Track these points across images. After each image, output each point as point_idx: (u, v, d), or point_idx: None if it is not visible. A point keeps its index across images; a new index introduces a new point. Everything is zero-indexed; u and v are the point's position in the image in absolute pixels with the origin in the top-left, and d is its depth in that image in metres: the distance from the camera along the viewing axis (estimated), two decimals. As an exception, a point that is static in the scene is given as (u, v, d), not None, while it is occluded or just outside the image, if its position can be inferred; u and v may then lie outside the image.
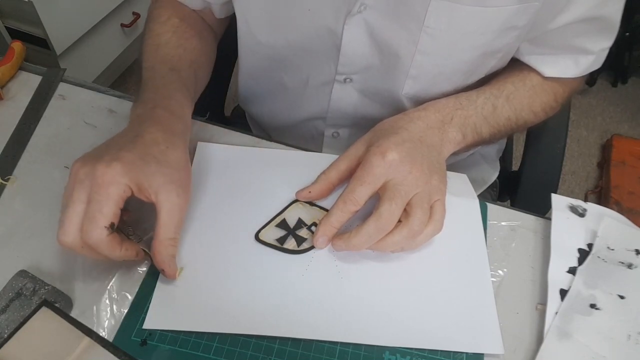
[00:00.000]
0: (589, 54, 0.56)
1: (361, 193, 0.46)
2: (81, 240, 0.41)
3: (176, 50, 0.55)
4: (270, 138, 0.60)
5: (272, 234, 0.50)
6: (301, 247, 0.49)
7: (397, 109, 0.61)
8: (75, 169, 0.42)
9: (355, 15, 0.52)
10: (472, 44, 0.52)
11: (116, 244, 0.42)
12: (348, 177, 0.49)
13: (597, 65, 0.58)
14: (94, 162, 0.42)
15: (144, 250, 0.45)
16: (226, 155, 0.56)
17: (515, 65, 0.59)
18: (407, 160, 0.47)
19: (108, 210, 0.40)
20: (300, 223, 0.51)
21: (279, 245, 0.49)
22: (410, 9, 0.50)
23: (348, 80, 0.60)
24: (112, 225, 0.41)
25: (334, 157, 0.55)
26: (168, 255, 0.44)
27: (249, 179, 0.54)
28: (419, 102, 0.58)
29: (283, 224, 0.51)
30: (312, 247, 0.49)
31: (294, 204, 0.52)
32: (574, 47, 0.56)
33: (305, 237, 0.50)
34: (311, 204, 0.52)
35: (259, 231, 0.50)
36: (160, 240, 0.43)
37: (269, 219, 0.51)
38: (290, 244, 0.49)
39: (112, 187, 0.41)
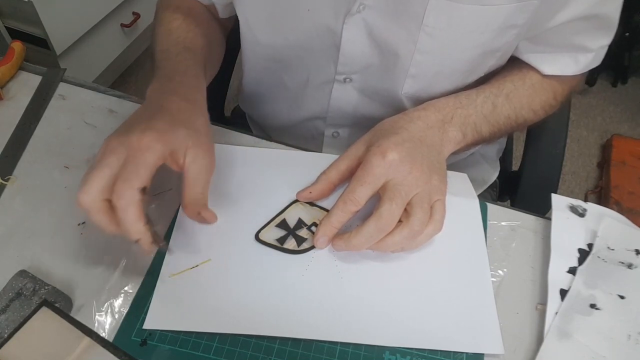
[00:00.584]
0: (588, 51, 0.56)
1: (361, 193, 0.46)
2: (100, 202, 0.41)
3: (187, 33, 0.57)
4: (270, 138, 0.60)
5: (272, 234, 0.50)
6: (301, 247, 0.49)
7: (397, 108, 0.61)
8: (107, 141, 0.43)
9: (355, 15, 0.52)
10: (471, 43, 0.52)
11: (141, 215, 0.41)
12: (348, 177, 0.49)
13: (597, 62, 0.58)
14: (127, 133, 0.43)
15: (162, 240, 0.44)
16: (226, 155, 0.56)
17: (514, 63, 0.59)
18: (407, 160, 0.47)
19: (144, 173, 0.41)
20: (300, 223, 0.51)
21: (279, 245, 0.49)
22: (410, 8, 0.50)
23: (348, 80, 0.60)
24: (144, 190, 0.41)
25: (334, 157, 0.55)
26: (200, 202, 0.45)
27: (249, 179, 0.54)
28: (419, 101, 0.58)
29: (283, 224, 0.51)
30: (312, 247, 0.49)
31: (294, 204, 0.52)
32: (573, 45, 0.56)
33: (305, 237, 0.50)
34: (311, 204, 0.52)
35: (259, 231, 0.50)
36: (191, 194, 0.44)
37: (268, 219, 0.51)
38: (291, 244, 0.49)
39: (149, 152, 0.42)
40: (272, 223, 0.51)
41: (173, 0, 0.61)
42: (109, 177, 0.41)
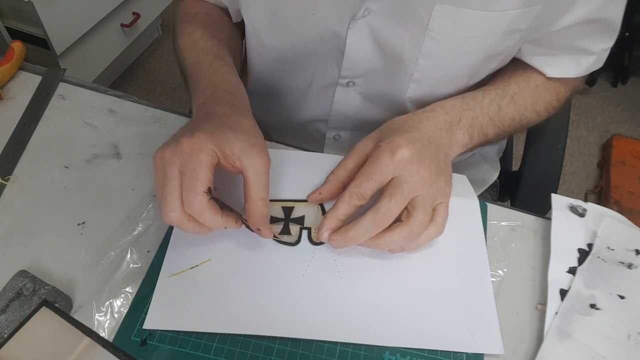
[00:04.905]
0: (591, 54, 0.56)
1: (367, 188, 0.46)
2: (185, 214, 0.43)
3: (212, 40, 0.57)
4: (271, 138, 0.60)
5: (274, 210, 0.51)
6: (279, 237, 0.49)
7: (400, 112, 0.61)
8: (158, 155, 0.44)
9: (360, 20, 0.52)
10: (475, 47, 0.52)
11: (217, 210, 0.43)
12: None
13: (599, 65, 0.58)
14: (177, 141, 0.44)
15: (241, 217, 0.46)
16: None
17: (518, 65, 0.59)
18: (417, 159, 0.47)
19: (203, 176, 0.42)
20: (300, 219, 0.51)
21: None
22: (415, 13, 0.50)
23: (351, 83, 0.60)
24: (209, 190, 0.43)
25: (336, 157, 0.55)
26: (262, 215, 0.45)
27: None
28: (422, 105, 0.58)
29: (288, 210, 0.51)
30: (288, 244, 0.49)
31: (306, 202, 0.52)
32: (575, 48, 0.56)
33: (292, 233, 0.50)
34: (322, 210, 0.52)
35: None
36: (253, 201, 0.45)
37: (278, 199, 0.52)
38: (277, 228, 0.50)
39: (202, 153, 0.43)
40: (281, 202, 0.52)
41: (190, 9, 0.62)
42: (178, 188, 0.43)
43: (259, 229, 0.45)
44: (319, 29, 0.55)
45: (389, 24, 0.52)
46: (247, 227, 0.46)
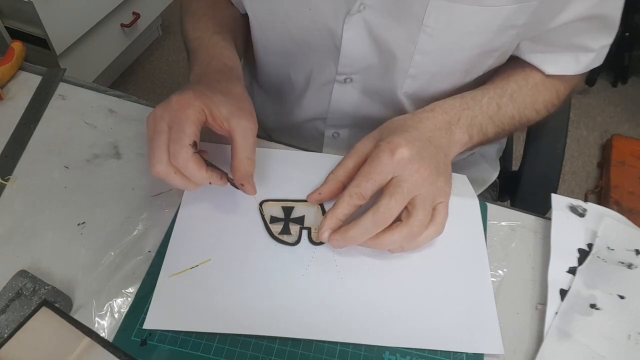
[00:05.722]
0: (590, 51, 0.56)
1: (367, 188, 0.46)
2: (171, 167, 0.44)
3: (214, 19, 0.60)
4: (270, 138, 0.60)
5: (273, 210, 0.51)
6: (280, 236, 0.50)
7: (397, 108, 0.61)
8: (151, 115, 0.46)
9: (355, 15, 0.52)
10: (471, 43, 0.52)
11: (201, 164, 0.45)
12: None
13: (598, 62, 0.58)
14: (167, 100, 0.46)
15: (227, 176, 0.47)
16: (226, 155, 0.56)
17: (517, 63, 0.59)
18: (417, 158, 0.47)
19: (190, 130, 0.44)
20: (300, 219, 0.51)
21: (267, 223, 0.50)
22: (410, 8, 0.50)
23: (348, 80, 0.60)
24: (194, 144, 0.44)
25: (335, 157, 0.55)
26: (247, 172, 0.47)
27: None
28: (418, 100, 0.58)
29: (288, 210, 0.51)
30: (288, 244, 0.49)
31: (306, 202, 0.52)
32: (574, 45, 0.56)
33: (292, 233, 0.50)
34: (322, 210, 0.52)
35: (266, 200, 0.52)
36: (239, 159, 0.46)
37: (278, 199, 0.52)
38: (277, 229, 0.50)
39: (189, 109, 0.45)
40: (280, 202, 0.51)
41: None
42: (165, 142, 0.44)
43: (242, 184, 0.47)
44: (316, 24, 0.55)
45: (384, 19, 0.52)
46: (232, 184, 0.48)
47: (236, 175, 0.47)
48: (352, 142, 0.52)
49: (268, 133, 0.78)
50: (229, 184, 0.48)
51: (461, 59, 0.54)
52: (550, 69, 0.57)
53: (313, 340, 0.44)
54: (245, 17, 0.66)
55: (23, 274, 0.45)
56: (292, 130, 0.72)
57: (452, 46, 0.53)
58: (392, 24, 0.52)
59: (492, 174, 0.78)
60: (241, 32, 0.65)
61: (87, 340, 0.38)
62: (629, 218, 0.53)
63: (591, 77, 1.91)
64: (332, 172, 0.51)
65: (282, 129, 0.74)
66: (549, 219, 0.53)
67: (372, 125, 0.53)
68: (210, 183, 0.46)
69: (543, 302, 0.47)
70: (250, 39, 0.66)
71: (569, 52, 0.57)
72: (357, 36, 0.54)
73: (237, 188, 0.47)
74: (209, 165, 0.46)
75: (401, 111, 0.61)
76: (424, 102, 0.56)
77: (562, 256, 0.50)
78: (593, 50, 0.56)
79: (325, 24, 0.55)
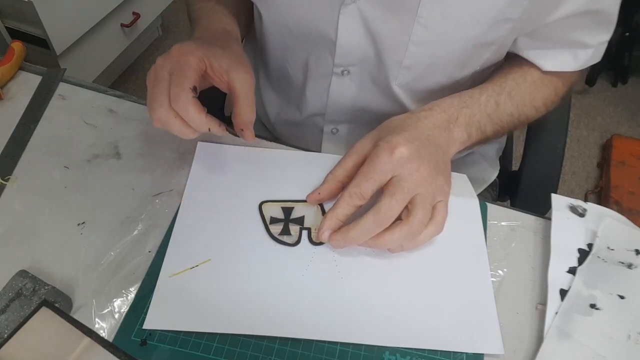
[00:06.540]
0: (588, 47, 0.56)
1: (367, 188, 0.46)
2: (172, 111, 0.45)
3: None
4: (270, 138, 0.60)
5: (273, 211, 0.51)
6: (279, 236, 0.50)
7: (393, 100, 0.61)
8: (152, 67, 0.48)
9: (350, 5, 0.52)
10: (465, 35, 0.52)
11: (201, 109, 0.46)
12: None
13: (596, 59, 0.58)
14: (168, 51, 0.48)
15: (225, 125, 0.49)
16: (226, 155, 0.56)
17: (515, 61, 0.59)
18: (416, 157, 0.47)
19: (190, 75, 0.46)
20: (300, 220, 0.51)
21: (267, 224, 0.50)
22: None
23: (346, 72, 0.60)
24: (195, 89, 0.46)
25: (334, 157, 0.55)
26: (248, 119, 0.49)
27: (249, 178, 0.54)
28: (413, 92, 0.58)
29: (287, 210, 0.51)
30: (289, 244, 0.49)
31: (306, 202, 0.52)
32: (572, 40, 0.56)
33: (292, 233, 0.50)
34: (322, 210, 0.52)
35: (266, 201, 0.52)
36: (240, 107, 0.48)
37: (277, 199, 0.53)
38: (277, 230, 0.50)
39: (190, 56, 0.47)
40: (280, 203, 0.52)
41: None
42: (167, 87, 0.45)
43: (242, 130, 0.49)
44: (312, 14, 0.55)
45: (379, 10, 0.52)
46: (231, 132, 0.49)
47: (237, 121, 0.49)
48: (351, 138, 0.52)
49: (270, 129, 0.78)
50: (227, 132, 0.49)
51: (456, 51, 0.54)
52: (548, 65, 0.57)
53: (313, 340, 0.44)
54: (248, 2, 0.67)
55: (23, 274, 0.45)
56: (293, 126, 0.72)
57: (446, 37, 0.53)
58: (387, 15, 0.52)
59: (492, 174, 0.78)
60: (244, 11, 0.66)
61: (87, 340, 0.39)
62: (629, 218, 0.53)
63: (591, 77, 1.91)
64: (331, 172, 0.51)
65: (284, 125, 0.74)
66: (549, 219, 0.53)
67: (371, 120, 0.53)
68: (209, 130, 0.47)
69: (543, 302, 0.47)
70: (252, 23, 0.67)
71: (567, 48, 0.57)
72: (352, 27, 0.54)
73: (236, 136, 0.49)
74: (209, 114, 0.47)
75: (398, 104, 0.61)
76: (420, 94, 0.56)
77: (562, 256, 0.50)
78: (591, 46, 0.56)
79: (320, 14, 0.55)
